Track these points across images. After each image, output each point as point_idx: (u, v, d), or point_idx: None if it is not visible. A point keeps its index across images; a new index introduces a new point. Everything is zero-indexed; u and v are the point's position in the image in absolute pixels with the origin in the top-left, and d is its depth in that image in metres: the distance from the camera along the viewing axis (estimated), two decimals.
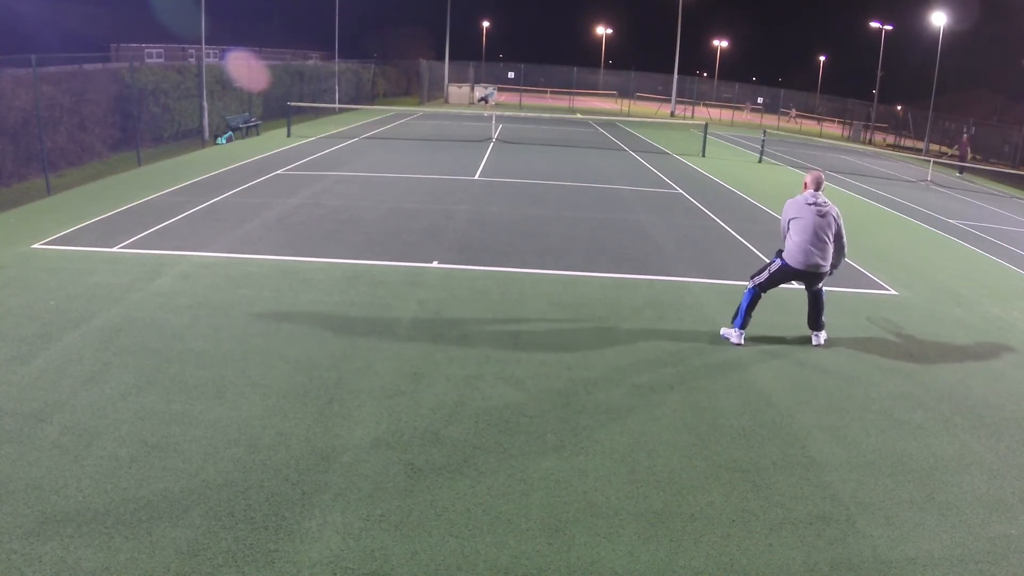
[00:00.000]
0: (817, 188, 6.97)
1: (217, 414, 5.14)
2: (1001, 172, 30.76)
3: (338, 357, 6.22)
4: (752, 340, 7.25)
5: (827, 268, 6.98)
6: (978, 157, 36.76)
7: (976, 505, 4.65)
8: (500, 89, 52.49)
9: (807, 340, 7.35)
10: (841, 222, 6.96)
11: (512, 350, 6.60)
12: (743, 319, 7.17)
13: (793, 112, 54.46)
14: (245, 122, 21.98)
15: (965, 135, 34.22)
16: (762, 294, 7.21)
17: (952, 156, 32.09)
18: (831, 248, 6.92)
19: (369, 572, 3.69)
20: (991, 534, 4.35)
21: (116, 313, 6.94)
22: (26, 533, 3.79)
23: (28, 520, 3.90)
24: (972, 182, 27.36)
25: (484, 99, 43.49)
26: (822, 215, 6.82)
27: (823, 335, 7.33)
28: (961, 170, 29.21)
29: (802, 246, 6.86)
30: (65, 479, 4.28)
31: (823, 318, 7.32)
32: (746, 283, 7.35)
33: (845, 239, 7.04)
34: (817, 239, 6.84)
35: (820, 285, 7.17)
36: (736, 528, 4.24)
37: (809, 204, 6.87)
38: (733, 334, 7.21)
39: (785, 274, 7.04)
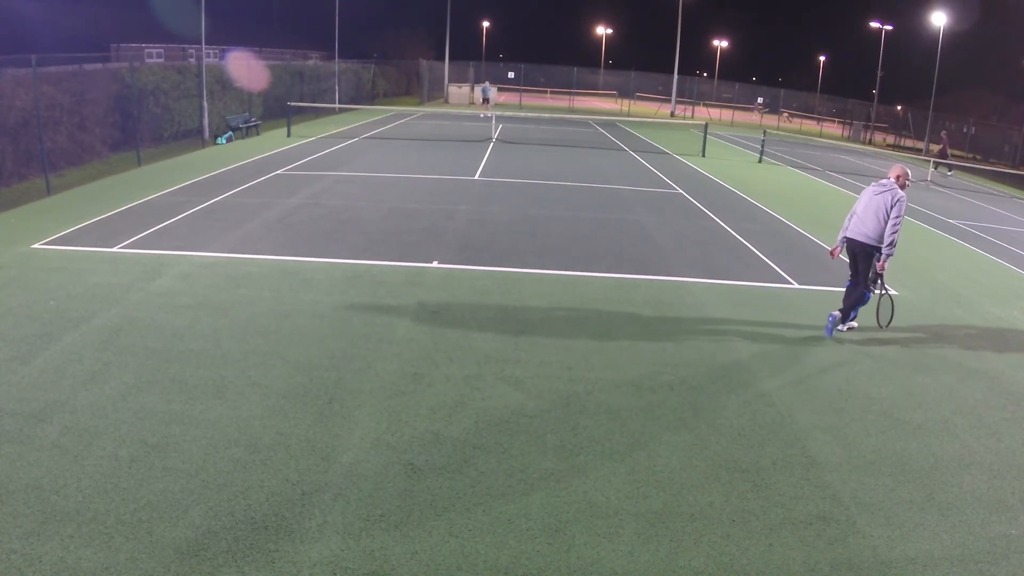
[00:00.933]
0: (894, 177, 7.40)
1: (217, 414, 5.14)
2: (1001, 172, 30.76)
3: (338, 357, 6.22)
4: (753, 340, 7.25)
5: (870, 243, 7.34)
6: (978, 157, 36.77)
7: (976, 505, 4.65)
8: (500, 89, 52.38)
9: (807, 340, 7.36)
10: (899, 204, 7.20)
11: (512, 350, 6.60)
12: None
13: (786, 114, 54.23)
14: (245, 122, 21.98)
15: (944, 132, 34.53)
16: (852, 284, 7.66)
17: (935, 155, 32.31)
18: (878, 225, 7.29)
19: (369, 572, 3.69)
20: (991, 534, 4.36)
21: (116, 313, 6.94)
22: (26, 533, 3.79)
23: (28, 520, 3.90)
24: (959, 178, 27.36)
25: (486, 100, 43.01)
26: (878, 194, 7.37)
27: (843, 326, 7.63)
28: (937, 165, 29.28)
29: (853, 217, 7.59)
30: (65, 479, 4.28)
31: (852, 314, 7.61)
32: (744, 283, 7.42)
33: (895, 222, 7.20)
34: (864, 213, 7.44)
35: (871, 278, 7.42)
36: (736, 528, 4.24)
37: (874, 186, 7.51)
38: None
39: (846, 248, 7.70)
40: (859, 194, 7.64)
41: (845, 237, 7.63)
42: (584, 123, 35.03)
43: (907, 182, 7.43)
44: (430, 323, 7.15)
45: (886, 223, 7.24)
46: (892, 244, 7.20)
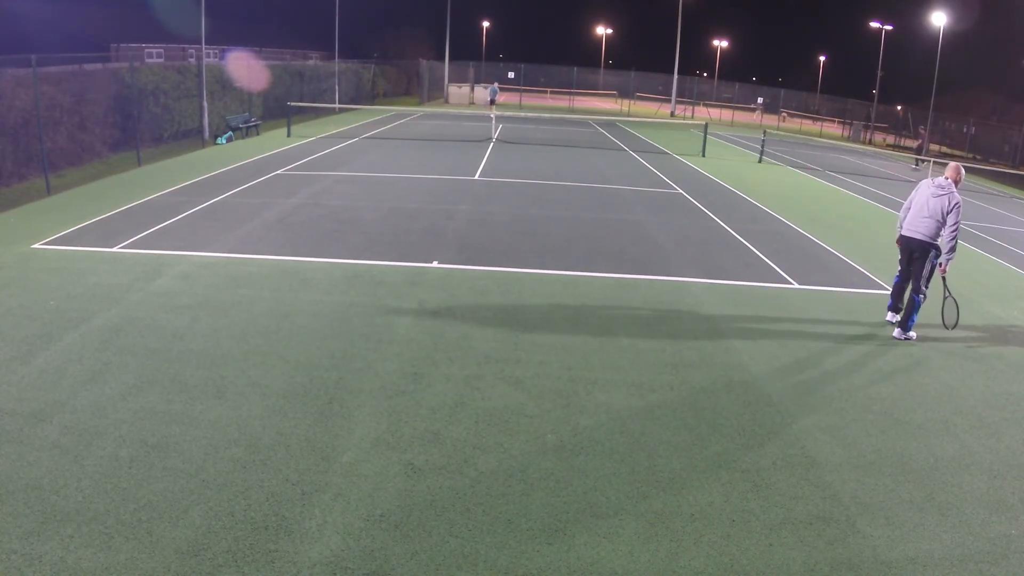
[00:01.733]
0: (953, 180, 7.59)
1: (217, 414, 5.14)
2: (1001, 172, 30.77)
3: (338, 357, 6.22)
4: (753, 340, 7.25)
5: (925, 240, 7.51)
6: (978, 157, 36.78)
7: (976, 505, 4.65)
8: (500, 89, 52.24)
9: (807, 340, 7.36)
10: (956, 210, 7.40)
11: (512, 350, 6.60)
12: (891, 300, 8.08)
13: (784, 115, 54.15)
14: (245, 122, 21.98)
15: (922, 128, 34.96)
16: (902, 282, 7.89)
17: (913, 150, 32.92)
18: (934, 225, 7.49)
19: (369, 572, 3.69)
20: (991, 534, 4.36)
21: (116, 313, 6.94)
22: (26, 533, 3.79)
23: (28, 520, 3.90)
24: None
25: (492, 101, 42.12)
26: (936, 196, 7.52)
27: (903, 335, 7.63)
28: (917, 162, 29.83)
29: (909, 215, 7.74)
30: (65, 479, 4.28)
31: (911, 323, 7.62)
32: (744, 283, 7.42)
33: (953, 229, 7.41)
34: (919, 212, 7.61)
35: (924, 277, 7.54)
36: (736, 528, 4.24)
37: (932, 186, 7.62)
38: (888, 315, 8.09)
39: (900, 244, 7.87)
40: (919, 189, 7.76)
41: (901, 235, 7.78)
42: (584, 123, 35.03)
43: (961, 178, 7.61)
44: (430, 323, 7.15)
45: (942, 225, 7.43)
46: (952, 249, 7.43)
